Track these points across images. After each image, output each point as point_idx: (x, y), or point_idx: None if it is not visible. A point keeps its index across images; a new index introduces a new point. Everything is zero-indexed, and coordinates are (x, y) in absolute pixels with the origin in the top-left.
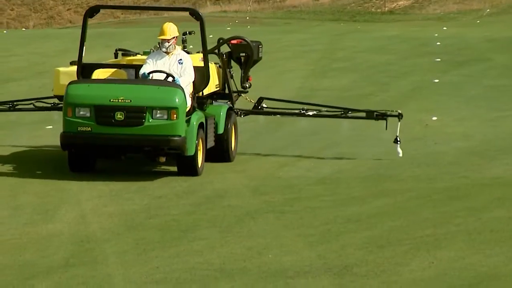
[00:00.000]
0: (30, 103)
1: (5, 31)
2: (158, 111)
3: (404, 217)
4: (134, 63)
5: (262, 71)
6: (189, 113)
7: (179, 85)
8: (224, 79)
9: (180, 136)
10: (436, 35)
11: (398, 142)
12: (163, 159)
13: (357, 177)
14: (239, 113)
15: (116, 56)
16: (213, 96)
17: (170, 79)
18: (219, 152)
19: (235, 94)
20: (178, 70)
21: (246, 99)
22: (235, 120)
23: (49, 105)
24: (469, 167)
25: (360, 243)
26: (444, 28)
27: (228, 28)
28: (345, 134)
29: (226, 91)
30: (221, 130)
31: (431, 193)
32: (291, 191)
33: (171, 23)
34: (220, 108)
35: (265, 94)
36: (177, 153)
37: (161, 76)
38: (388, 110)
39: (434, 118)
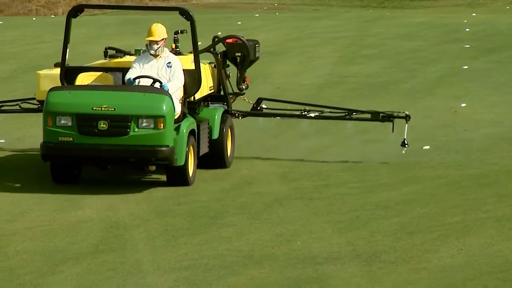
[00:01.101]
0: (16, 104)
1: (34, 18)
2: (144, 120)
3: (433, 203)
4: (122, 65)
5: (291, 58)
6: (178, 120)
7: (167, 91)
8: (219, 80)
9: (168, 146)
10: (465, 21)
11: (406, 145)
12: (152, 168)
13: (385, 163)
14: (236, 114)
15: (106, 55)
16: (208, 98)
17: (157, 84)
18: (214, 158)
19: (231, 96)
20: (167, 74)
21: (245, 99)
22: (232, 124)
23: (36, 107)
24: (498, 154)
25: (389, 230)
26: (473, 14)
27: (256, 15)
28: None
29: (222, 93)
30: (215, 135)
31: (460, 179)
32: (319, 177)
33: (159, 24)
34: (215, 112)
35: (294, 81)
36: (165, 164)
37: (148, 82)
38: (395, 111)
39: (463, 105)
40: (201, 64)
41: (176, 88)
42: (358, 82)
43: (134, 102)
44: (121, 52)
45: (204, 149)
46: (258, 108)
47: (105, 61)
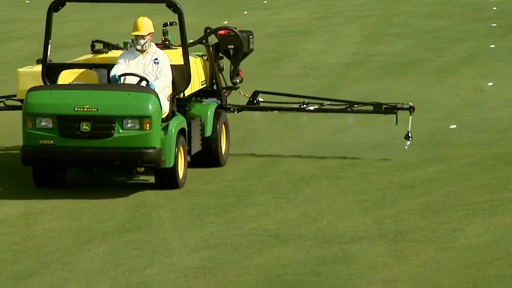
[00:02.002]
0: (0, 101)
1: None
2: (129, 121)
3: (460, 183)
4: (107, 61)
5: (317, 36)
6: (167, 119)
7: (153, 90)
8: (212, 74)
9: (154, 148)
10: (492, 0)
11: (410, 139)
12: (141, 169)
13: (413, 142)
14: (232, 109)
15: (93, 48)
16: (200, 94)
17: (144, 83)
18: (207, 156)
19: (225, 90)
20: (154, 70)
21: (240, 93)
22: (226, 119)
23: (21, 104)
24: None
25: (415, 209)
26: None
27: None
28: (402, 99)
29: (215, 87)
30: (208, 133)
31: (486, 158)
32: (345, 156)
33: (146, 18)
34: (207, 108)
35: (320, 60)
36: (153, 167)
37: (134, 80)
38: (399, 103)
39: (490, 84)
40: (192, 57)
41: (163, 86)
42: (384, 61)
43: (118, 102)
44: (109, 45)
45: (197, 147)
46: (255, 101)
47: (90, 56)
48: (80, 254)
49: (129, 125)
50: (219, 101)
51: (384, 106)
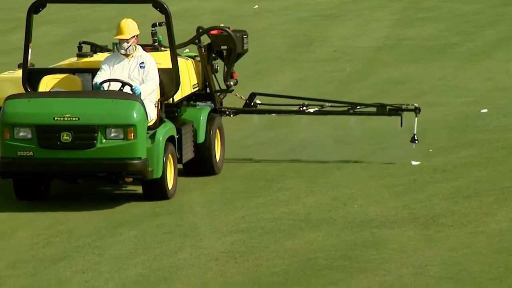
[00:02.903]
0: None
1: None
2: (113, 130)
3: (491, 167)
4: (92, 66)
5: (348, 20)
6: (154, 127)
7: (138, 96)
8: (205, 76)
9: (140, 158)
10: None
11: (416, 142)
12: (129, 179)
13: (444, 127)
14: (227, 112)
15: (80, 50)
16: (192, 97)
17: (127, 89)
18: (201, 164)
19: (220, 94)
20: (140, 75)
21: (236, 95)
22: (220, 124)
23: None
24: None
25: (447, 194)
26: None
27: None
28: (433, 83)
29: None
30: (201, 139)
31: None
32: (377, 141)
33: (130, 19)
34: (200, 112)
35: (351, 44)
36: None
37: (118, 86)
38: (403, 104)
39: None
40: (183, 59)
41: (150, 90)
42: (414, 45)
43: (100, 110)
44: (97, 47)
45: (188, 155)
46: (252, 104)
47: (74, 60)
48: (111, 238)
49: (112, 135)
50: (213, 105)
51: (388, 107)
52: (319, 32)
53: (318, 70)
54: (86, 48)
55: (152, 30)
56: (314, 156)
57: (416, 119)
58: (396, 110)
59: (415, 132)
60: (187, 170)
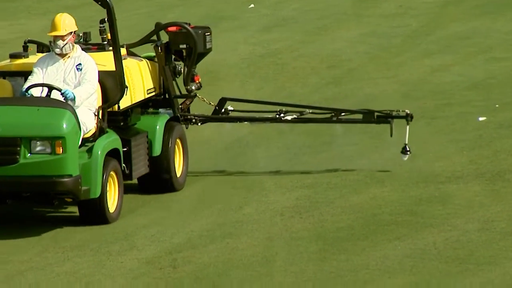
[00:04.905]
0: None
1: None
2: (38, 143)
3: None
4: (26, 68)
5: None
6: (94, 139)
7: (68, 103)
8: (163, 80)
9: (70, 176)
10: None
11: (408, 153)
12: (69, 199)
13: (510, 82)
14: (194, 120)
15: (25, 50)
16: (149, 103)
17: (57, 94)
18: (157, 179)
19: (186, 100)
20: (76, 78)
21: (204, 100)
22: (182, 134)
23: None
24: None
25: None
26: None
27: None
28: (500, 38)
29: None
30: (157, 151)
31: None
32: (442, 96)
33: (66, 14)
34: (156, 121)
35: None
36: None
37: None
38: (393, 110)
39: None
40: (135, 60)
41: (86, 95)
42: None
43: (24, 120)
44: (44, 47)
45: (141, 170)
46: (223, 110)
47: (6, 62)
48: (175, 193)
49: (38, 149)
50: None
51: (376, 113)
52: None
53: (383, 25)
54: (33, 48)
55: (101, 27)
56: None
57: (408, 127)
58: (385, 117)
59: (406, 142)
60: (142, 186)
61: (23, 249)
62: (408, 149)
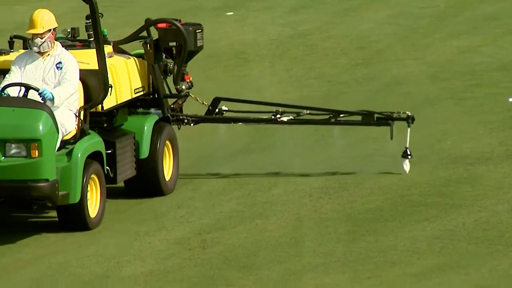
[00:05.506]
0: None
1: None
2: (13, 146)
3: None
4: (5, 66)
5: None
6: (74, 141)
7: (45, 104)
8: (152, 79)
9: (47, 180)
10: None
11: (408, 157)
12: (50, 203)
13: None
14: (186, 120)
15: (11, 46)
16: (137, 103)
17: (34, 94)
18: (145, 183)
19: (178, 100)
20: (56, 77)
21: (197, 100)
22: (172, 135)
23: None
24: None
25: None
26: None
27: None
28: None
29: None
30: (145, 153)
31: None
32: (471, 77)
33: (45, 10)
34: (143, 122)
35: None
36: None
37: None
38: (394, 112)
39: None
40: (122, 58)
41: (66, 95)
42: None
43: None
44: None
45: (127, 173)
46: (217, 110)
47: None
48: (204, 175)
49: (12, 152)
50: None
51: (376, 115)
52: None
53: (411, 6)
54: (19, 44)
55: (87, 22)
56: (407, 93)
57: (409, 129)
58: (386, 119)
59: (407, 146)
60: (129, 189)
61: (52, 232)
62: (409, 153)
